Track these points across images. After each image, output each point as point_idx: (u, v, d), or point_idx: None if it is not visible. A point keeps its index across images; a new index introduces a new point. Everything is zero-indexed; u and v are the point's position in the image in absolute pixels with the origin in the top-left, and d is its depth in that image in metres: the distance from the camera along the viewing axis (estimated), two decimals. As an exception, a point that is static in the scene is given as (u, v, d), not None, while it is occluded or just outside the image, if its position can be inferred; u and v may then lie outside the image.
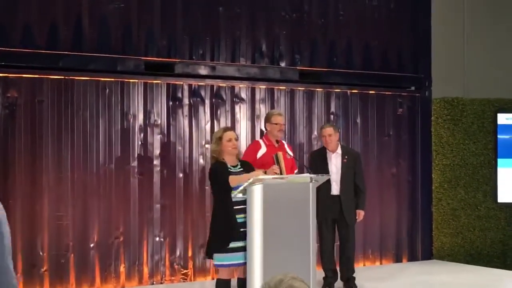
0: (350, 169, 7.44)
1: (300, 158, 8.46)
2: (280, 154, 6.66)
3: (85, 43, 7.70)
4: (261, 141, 6.97)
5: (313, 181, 5.96)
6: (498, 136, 9.84)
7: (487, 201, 9.89)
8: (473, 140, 9.93)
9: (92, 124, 7.71)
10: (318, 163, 7.42)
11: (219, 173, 5.96)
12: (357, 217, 7.51)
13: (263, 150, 6.78)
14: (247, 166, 6.08)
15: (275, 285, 2.21)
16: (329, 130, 7.44)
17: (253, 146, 7.04)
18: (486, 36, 10.45)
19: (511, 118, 9.86)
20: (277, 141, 6.99)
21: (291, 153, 7.07)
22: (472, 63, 10.29)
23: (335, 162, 7.42)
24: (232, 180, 5.81)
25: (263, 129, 7.41)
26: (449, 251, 9.76)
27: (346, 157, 7.46)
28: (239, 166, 6.03)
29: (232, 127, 6.97)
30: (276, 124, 6.94)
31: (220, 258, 5.87)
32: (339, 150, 7.48)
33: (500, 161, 9.81)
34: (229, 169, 5.94)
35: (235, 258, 5.84)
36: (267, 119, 7.08)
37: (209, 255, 6.01)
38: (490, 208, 9.91)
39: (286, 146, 7.11)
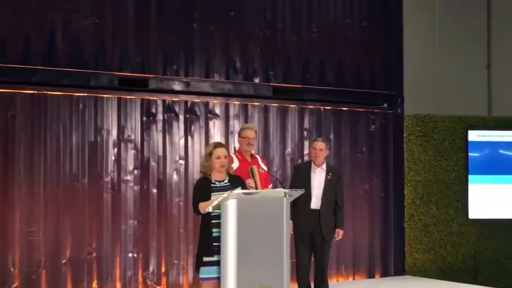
0: (333, 186, 7.48)
1: (273, 174, 8.48)
2: (255, 168, 6.68)
3: (58, 58, 7.67)
4: (234, 156, 6.99)
5: (287, 196, 5.97)
6: (469, 153, 9.95)
7: (458, 217, 9.98)
8: (445, 156, 10.04)
9: (65, 139, 7.67)
10: (302, 175, 7.44)
11: (195, 193, 6.02)
12: (335, 236, 7.52)
13: (235, 164, 6.79)
14: (236, 181, 6.05)
15: (251, 294, 2.22)
16: (321, 144, 7.48)
17: None
18: (457, 54, 10.60)
19: (482, 135, 9.98)
20: (251, 156, 7.00)
21: (265, 168, 7.08)
22: (443, 80, 10.42)
23: (318, 177, 7.45)
24: (201, 206, 5.83)
25: (236, 144, 7.42)
26: (421, 267, 9.82)
27: (330, 174, 7.49)
28: (226, 181, 6.02)
29: (223, 143, 6.90)
30: (244, 138, 6.96)
31: (202, 271, 5.89)
32: (324, 166, 7.52)
33: (471, 177, 9.91)
34: (214, 184, 5.94)
35: (213, 272, 5.84)
36: (239, 133, 7.12)
37: (195, 268, 6.03)
38: (462, 224, 10.00)
39: (259, 160, 7.12)
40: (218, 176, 5.99)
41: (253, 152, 7.11)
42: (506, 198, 9.94)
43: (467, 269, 9.96)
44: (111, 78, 7.92)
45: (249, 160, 6.92)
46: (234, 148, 8.34)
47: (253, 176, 6.60)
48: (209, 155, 5.99)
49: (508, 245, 10.03)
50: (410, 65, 10.02)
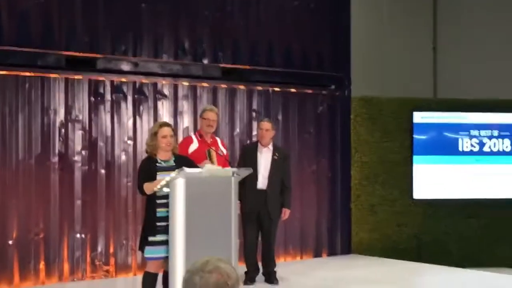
0: (279, 166, 7.57)
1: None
2: (212, 150, 6.74)
3: (4, 36, 7.55)
4: (193, 136, 7.02)
5: (235, 175, 6.03)
6: (414, 135, 10.14)
7: (403, 198, 10.20)
8: (391, 138, 10.23)
9: (11, 119, 7.57)
10: (248, 155, 7.52)
11: (140, 174, 6.03)
12: (282, 215, 7.62)
13: (195, 145, 6.84)
14: (182, 160, 6.05)
15: (201, 266, 2.27)
16: (267, 125, 7.58)
17: (185, 141, 7.08)
18: (404, 36, 10.78)
19: (426, 117, 10.19)
20: (212, 138, 7.05)
21: (224, 151, 7.12)
22: (390, 63, 10.59)
23: (265, 157, 7.53)
24: (146, 187, 5.85)
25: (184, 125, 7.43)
26: (367, 245, 10.02)
27: (276, 154, 7.58)
28: (172, 161, 6.03)
29: (169, 123, 6.86)
30: (205, 119, 7.00)
31: (147, 251, 5.91)
32: (270, 146, 7.60)
33: (415, 158, 10.12)
34: (159, 164, 5.95)
35: (158, 252, 5.87)
36: (200, 114, 7.15)
37: (140, 248, 6.04)
38: (406, 204, 10.22)
39: (219, 143, 7.17)
40: (164, 156, 6.01)
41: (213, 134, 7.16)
42: (449, 179, 10.18)
43: (411, 248, 10.19)
44: (58, 58, 7.83)
45: (208, 142, 6.96)
46: (185, 128, 8.37)
47: (210, 158, 6.65)
48: (154, 134, 5.99)
49: (451, 224, 10.30)
50: (357, 47, 10.15)
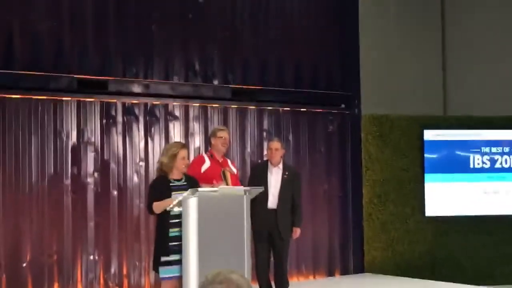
0: (289, 185, 7.57)
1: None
2: (227, 170, 6.79)
3: (16, 60, 7.65)
4: (205, 156, 7.06)
5: (247, 194, 6.05)
6: (425, 152, 10.13)
7: (415, 215, 10.17)
8: (401, 156, 10.22)
9: (24, 142, 7.64)
10: (258, 174, 7.52)
11: (150, 192, 6.10)
12: (293, 234, 7.62)
13: (207, 164, 6.88)
14: (192, 181, 6.12)
15: (213, 277, 2.30)
16: (276, 144, 7.59)
17: (198, 160, 7.11)
18: (413, 53, 10.81)
19: (437, 135, 10.19)
20: (222, 157, 7.09)
21: (234, 170, 7.16)
22: (399, 81, 10.61)
23: (275, 176, 7.54)
24: (157, 206, 5.90)
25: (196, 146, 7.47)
26: (380, 264, 9.98)
27: (286, 173, 7.60)
28: (183, 180, 6.09)
29: (184, 143, 6.93)
30: (220, 137, 7.05)
31: (162, 271, 5.94)
32: (280, 165, 7.62)
33: (427, 176, 10.10)
34: (172, 184, 6.01)
35: (173, 271, 5.90)
36: (213, 134, 7.18)
37: (154, 268, 6.07)
38: (418, 222, 10.18)
39: (229, 163, 7.21)
40: (177, 175, 6.07)
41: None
42: (460, 196, 10.15)
43: (424, 265, 10.15)
44: (70, 81, 7.91)
45: (220, 161, 7.01)
46: (196, 148, 8.42)
47: (225, 179, 6.70)
48: (174, 156, 6.05)
49: (463, 241, 10.26)
50: (366, 66, 10.18)
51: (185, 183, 6.05)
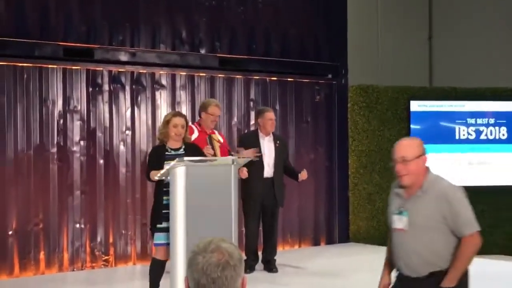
0: (281, 153, 7.65)
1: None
2: (213, 135, 6.81)
3: (2, 27, 7.55)
4: (193, 126, 7.05)
5: (235, 163, 6.05)
6: (411, 123, 10.16)
7: (400, 186, 10.20)
8: (388, 126, 10.26)
9: (9, 110, 7.58)
10: (250, 144, 7.49)
11: (148, 161, 6.14)
12: (302, 176, 7.58)
13: (195, 134, 6.88)
14: (192, 149, 6.12)
15: (204, 246, 2.30)
16: (273, 115, 7.63)
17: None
18: (400, 25, 10.81)
19: (423, 105, 10.22)
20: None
21: (222, 140, 7.17)
22: (386, 51, 10.62)
23: (268, 146, 7.59)
24: (152, 174, 5.91)
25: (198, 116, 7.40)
26: (364, 234, 10.06)
27: (278, 142, 7.65)
28: (182, 150, 6.08)
29: (183, 113, 6.76)
30: (212, 115, 7.03)
31: (156, 237, 5.98)
32: (271, 135, 7.66)
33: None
34: (168, 153, 6.00)
35: (165, 238, 5.93)
36: (204, 108, 7.12)
37: (151, 233, 6.14)
38: (404, 192, 10.22)
39: (217, 134, 7.21)
40: (174, 144, 6.06)
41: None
42: (445, 167, 10.21)
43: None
44: (56, 49, 7.83)
45: (207, 132, 7.02)
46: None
47: (211, 144, 6.69)
48: (166, 122, 6.05)
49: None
50: (353, 36, 10.16)
51: (182, 152, 6.04)
